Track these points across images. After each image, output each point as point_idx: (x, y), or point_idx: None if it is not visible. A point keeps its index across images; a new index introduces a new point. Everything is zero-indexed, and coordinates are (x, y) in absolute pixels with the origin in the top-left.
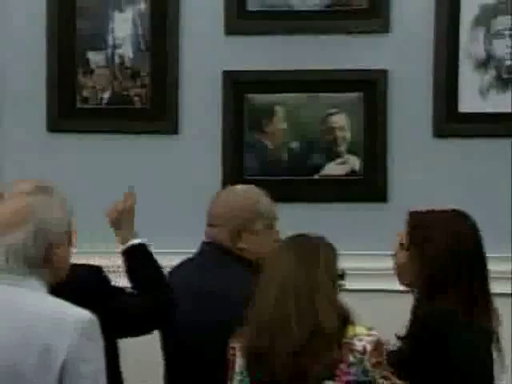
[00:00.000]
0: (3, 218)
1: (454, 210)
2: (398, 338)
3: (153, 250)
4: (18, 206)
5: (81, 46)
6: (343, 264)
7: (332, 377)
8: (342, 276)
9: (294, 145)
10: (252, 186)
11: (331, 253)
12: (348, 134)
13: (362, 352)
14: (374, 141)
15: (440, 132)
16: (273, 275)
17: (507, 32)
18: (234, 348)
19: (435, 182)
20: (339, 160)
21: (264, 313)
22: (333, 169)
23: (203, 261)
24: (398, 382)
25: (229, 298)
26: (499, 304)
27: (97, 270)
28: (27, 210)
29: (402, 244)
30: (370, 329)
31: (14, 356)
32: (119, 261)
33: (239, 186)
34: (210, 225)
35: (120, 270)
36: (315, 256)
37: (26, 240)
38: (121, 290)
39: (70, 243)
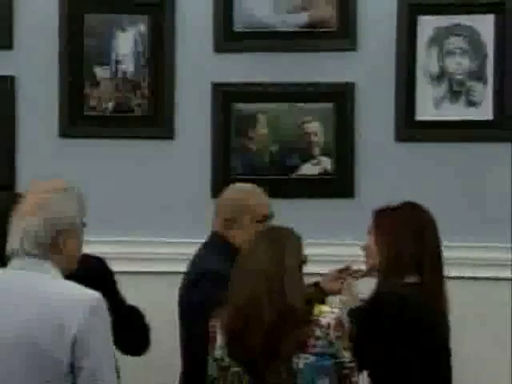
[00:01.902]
0: (22, 209)
1: (412, 203)
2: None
3: (153, 239)
4: (34, 200)
5: (88, 62)
6: (317, 251)
7: (302, 351)
8: (304, 262)
9: (274, 148)
10: (251, 185)
11: (297, 241)
12: (321, 139)
13: (326, 327)
14: (343, 144)
15: (400, 137)
16: (248, 262)
17: (457, 51)
18: (214, 326)
19: (396, 180)
20: (313, 161)
21: (240, 296)
22: (308, 169)
23: (203, 246)
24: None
25: (188, 276)
26: (500, 288)
27: (102, 261)
28: (41, 203)
29: (369, 232)
30: (332, 307)
31: (32, 331)
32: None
33: (241, 184)
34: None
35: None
36: (284, 245)
37: (38, 227)
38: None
39: (79, 235)
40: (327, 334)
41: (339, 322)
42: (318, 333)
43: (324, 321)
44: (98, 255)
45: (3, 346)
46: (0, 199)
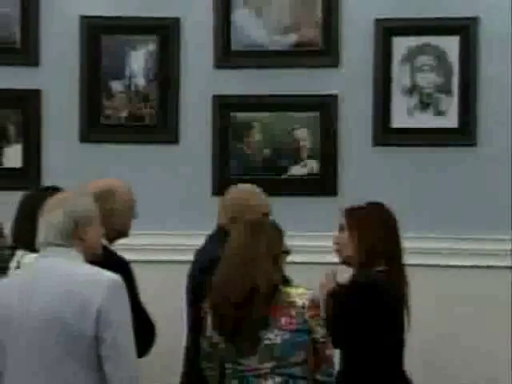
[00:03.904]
0: (46, 206)
1: (378, 203)
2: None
3: (158, 231)
4: (56, 198)
5: (105, 77)
6: (303, 242)
7: (269, 328)
8: (287, 252)
9: (267, 152)
10: (252, 186)
11: (275, 233)
12: (308, 144)
13: (302, 307)
14: (327, 148)
15: (377, 142)
16: (229, 247)
17: (426, 67)
18: (204, 308)
19: (374, 180)
20: (301, 163)
21: (219, 276)
22: (296, 170)
23: (209, 239)
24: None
25: (195, 264)
26: (499, 276)
27: (126, 263)
28: (62, 200)
29: (342, 229)
30: (308, 289)
31: (60, 309)
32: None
33: (243, 185)
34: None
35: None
36: (260, 234)
37: (59, 219)
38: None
39: (98, 226)
40: (302, 314)
41: (313, 303)
42: (293, 312)
43: (300, 302)
44: (122, 257)
45: (36, 321)
46: (41, 195)
